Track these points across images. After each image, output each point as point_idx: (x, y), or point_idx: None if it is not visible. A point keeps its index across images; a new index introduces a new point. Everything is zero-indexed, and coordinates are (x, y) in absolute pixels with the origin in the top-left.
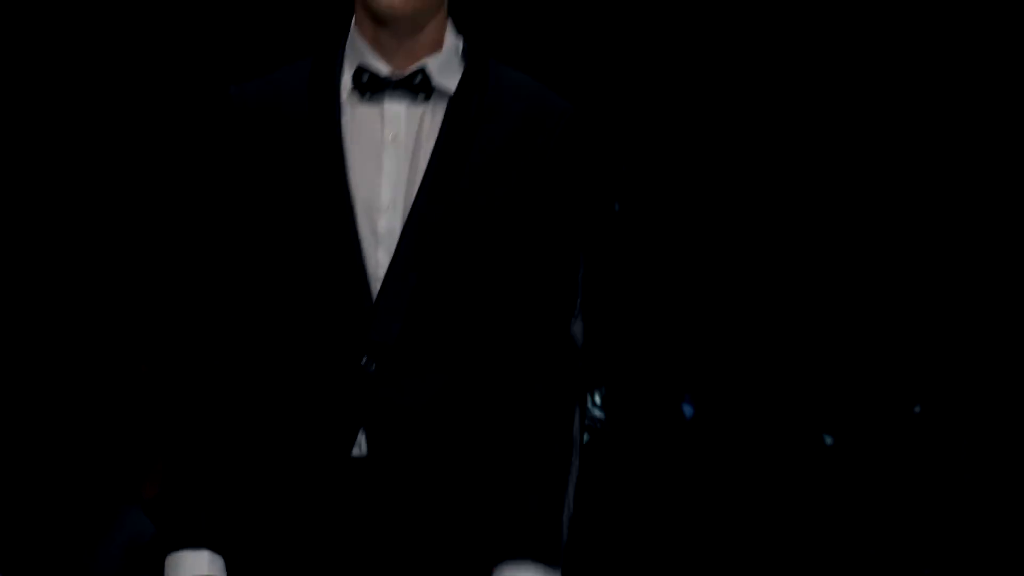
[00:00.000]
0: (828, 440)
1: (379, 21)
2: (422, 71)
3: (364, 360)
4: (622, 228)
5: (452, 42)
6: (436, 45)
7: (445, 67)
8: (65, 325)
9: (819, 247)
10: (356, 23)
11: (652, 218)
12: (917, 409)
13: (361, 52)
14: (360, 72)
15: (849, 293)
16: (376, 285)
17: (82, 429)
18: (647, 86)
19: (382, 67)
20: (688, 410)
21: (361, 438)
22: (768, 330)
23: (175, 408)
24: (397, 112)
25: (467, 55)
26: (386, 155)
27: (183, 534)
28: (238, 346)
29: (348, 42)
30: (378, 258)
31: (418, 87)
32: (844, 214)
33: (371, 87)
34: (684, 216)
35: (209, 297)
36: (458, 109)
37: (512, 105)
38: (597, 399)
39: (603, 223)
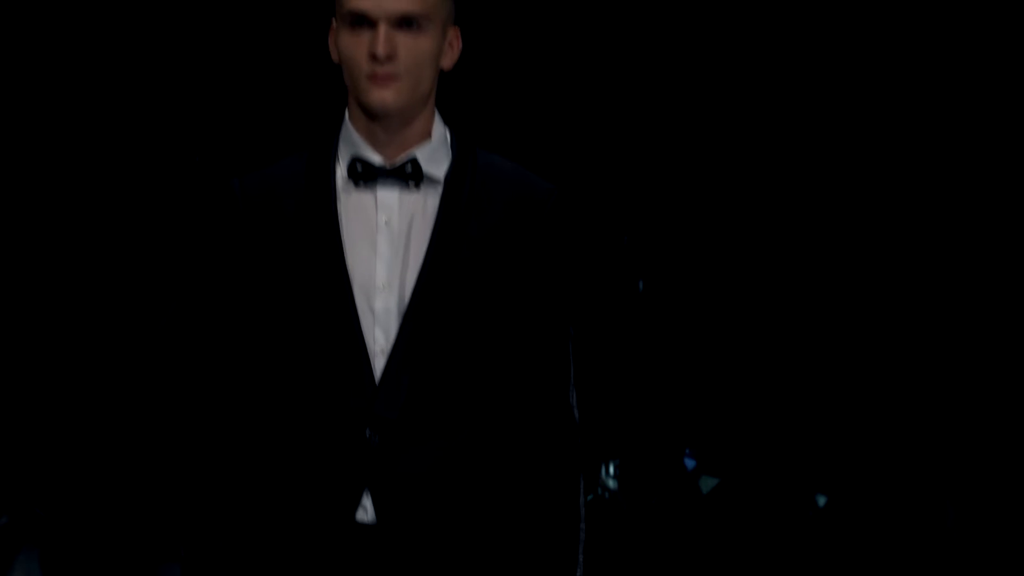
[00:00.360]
0: (821, 501)
1: (372, 115)
2: (413, 160)
3: (368, 433)
4: (644, 304)
5: (440, 132)
6: (425, 135)
7: (434, 156)
8: (118, 392)
9: (809, 316)
10: (349, 116)
11: (657, 291)
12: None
13: (355, 143)
14: (355, 162)
15: (841, 364)
16: (376, 361)
17: (127, 489)
18: (645, 165)
19: (375, 157)
20: (690, 463)
21: (367, 504)
22: (768, 395)
23: (194, 475)
24: (390, 199)
25: (454, 144)
26: (380, 239)
27: None
28: (250, 420)
29: (342, 133)
30: (376, 335)
31: (409, 175)
32: (836, 289)
33: (365, 176)
34: (683, 289)
35: (222, 374)
36: (451, 195)
37: (500, 190)
38: (612, 470)
39: (621, 300)
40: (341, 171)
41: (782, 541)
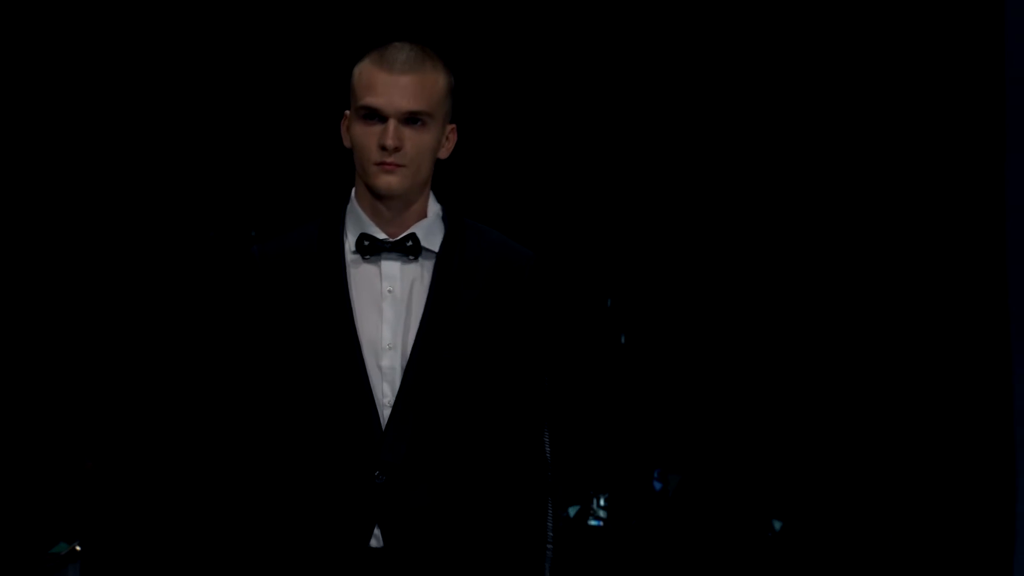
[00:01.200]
0: (776, 526)
1: (378, 196)
2: (412, 235)
3: (377, 474)
4: (625, 354)
5: (435, 209)
6: (422, 213)
7: (430, 231)
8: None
9: (767, 348)
10: (356, 195)
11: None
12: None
13: (361, 220)
14: (363, 238)
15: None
16: (383, 412)
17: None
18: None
19: (379, 233)
20: (658, 485)
21: (377, 533)
22: (733, 422)
23: (220, 514)
24: (393, 269)
25: (446, 218)
26: (385, 304)
27: None
28: (269, 466)
29: (348, 209)
30: (383, 389)
31: (409, 249)
32: (794, 314)
33: (371, 250)
34: (657, 340)
35: (242, 426)
36: (444, 265)
37: (485, 257)
38: (602, 502)
39: (597, 352)
40: (349, 244)
41: (742, 561)
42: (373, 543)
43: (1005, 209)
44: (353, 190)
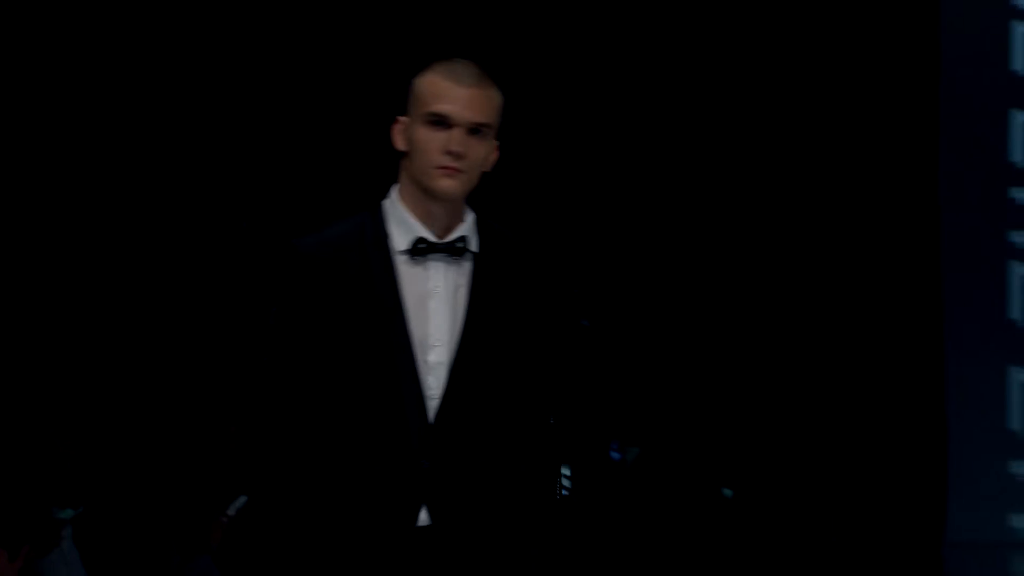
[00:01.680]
0: (727, 493)
1: (434, 198)
2: (463, 238)
3: (424, 461)
4: (592, 339)
5: (470, 214)
6: (463, 216)
7: (471, 233)
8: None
9: (720, 332)
10: (402, 196)
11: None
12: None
13: (406, 220)
14: (418, 240)
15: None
16: (429, 403)
17: (163, 486)
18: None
19: (430, 235)
20: (615, 455)
21: (423, 513)
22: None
23: (273, 489)
24: (439, 269)
25: (479, 222)
26: (432, 303)
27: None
28: (323, 448)
29: (389, 208)
30: (430, 383)
31: (458, 250)
32: (744, 303)
33: (423, 251)
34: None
35: (299, 412)
36: (483, 266)
37: (516, 257)
38: (567, 471)
39: (574, 337)
40: (396, 243)
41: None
42: (421, 521)
43: (939, 204)
44: (395, 190)
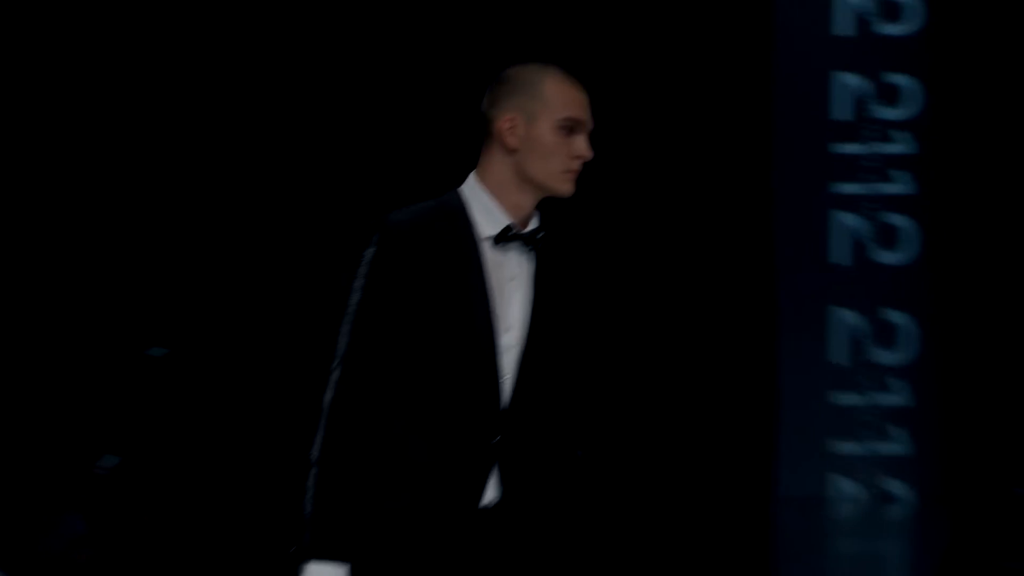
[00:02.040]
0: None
1: (537, 192)
2: (539, 229)
3: (496, 437)
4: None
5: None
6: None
7: (539, 225)
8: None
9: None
10: (491, 184)
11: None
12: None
13: (491, 209)
14: (506, 230)
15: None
16: (503, 383)
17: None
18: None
19: (515, 225)
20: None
21: (492, 489)
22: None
23: (348, 455)
24: (516, 257)
25: (539, 214)
26: (510, 288)
27: (333, 548)
28: (399, 417)
29: (471, 195)
30: (503, 364)
31: (536, 240)
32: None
33: (508, 240)
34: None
35: (381, 383)
36: (548, 254)
37: (564, 247)
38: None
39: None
40: (482, 230)
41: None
42: (490, 499)
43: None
44: (474, 177)
